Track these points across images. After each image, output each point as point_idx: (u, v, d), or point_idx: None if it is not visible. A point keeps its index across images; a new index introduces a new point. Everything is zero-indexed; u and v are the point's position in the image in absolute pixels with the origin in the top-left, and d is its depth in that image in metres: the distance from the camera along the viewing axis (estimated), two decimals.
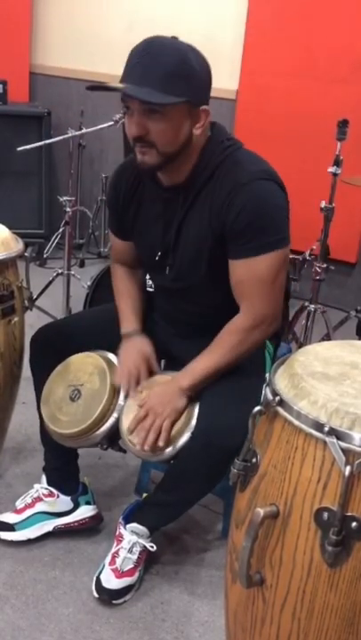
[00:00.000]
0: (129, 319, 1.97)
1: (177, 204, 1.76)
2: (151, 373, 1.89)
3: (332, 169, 3.03)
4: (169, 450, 1.71)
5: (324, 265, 3.19)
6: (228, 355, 1.74)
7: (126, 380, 1.85)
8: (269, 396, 1.25)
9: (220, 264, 1.74)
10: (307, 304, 3.26)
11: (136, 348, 1.91)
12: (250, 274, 1.69)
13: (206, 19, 4.17)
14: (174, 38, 1.63)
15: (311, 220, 3.12)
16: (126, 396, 1.84)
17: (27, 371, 2.19)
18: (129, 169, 1.86)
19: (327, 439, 1.13)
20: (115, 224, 2.00)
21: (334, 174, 3.04)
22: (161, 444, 1.70)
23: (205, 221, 1.72)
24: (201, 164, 1.71)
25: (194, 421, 1.71)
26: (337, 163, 3.02)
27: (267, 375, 1.32)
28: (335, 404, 1.16)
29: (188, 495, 1.80)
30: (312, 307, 3.25)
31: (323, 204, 3.04)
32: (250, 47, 4.03)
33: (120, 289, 2.05)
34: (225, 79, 4.09)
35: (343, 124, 2.99)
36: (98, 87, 1.65)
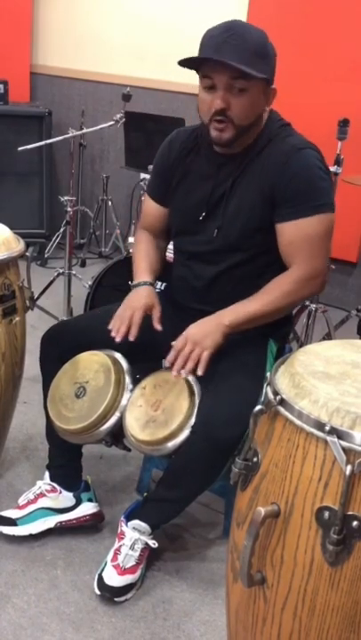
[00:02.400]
0: (141, 274, 2.01)
1: (229, 170, 1.84)
2: (123, 344, 1.87)
3: (332, 168, 3.03)
4: (170, 444, 1.73)
5: None
6: (276, 301, 1.78)
7: (115, 321, 1.87)
8: (270, 396, 1.26)
9: (262, 230, 1.82)
10: (308, 303, 3.26)
11: (138, 295, 1.93)
12: (302, 234, 1.77)
13: (207, 20, 4.15)
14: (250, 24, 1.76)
15: None
16: (118, 345, 1.85)
17: (28, 370, 2.20)
18: (183, 136, 1.97)
19: (328, 438, 1.13)
20: (156, 187, 2.06)
21: (335, 174, 3.04)
22: (200, 372, 1.74)
23: (256, 185, 1.81)
24: (260, 138, 1.83)
25: (195, 418, 1.73)
26: (338, 162, 3.02)
27: (268, 374, 1.33)
28: (336, 404, 1.16)
29: (188, 490, 1.81)
30: (313, 306, 3.25)
31: None
32: None
33: (139, 249, 2.10)
34: None
35: (344, 124, 2.99)
36: (191, 59, 1.71)
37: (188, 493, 1.83)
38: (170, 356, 1.78)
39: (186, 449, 1.72)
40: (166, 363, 1.79)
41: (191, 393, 1.77)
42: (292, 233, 1.78)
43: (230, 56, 1.65)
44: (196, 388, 1.78)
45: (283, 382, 1.28)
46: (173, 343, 1.79)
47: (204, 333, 1.76)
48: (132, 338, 1.84)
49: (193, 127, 1.98)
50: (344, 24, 3.73)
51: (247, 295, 1.83)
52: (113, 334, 1.85)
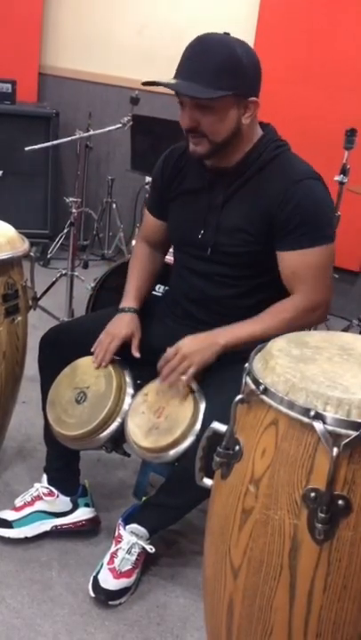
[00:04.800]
0: (128, 298, 2.04)
1: (221, 187, 1.84)
2: (123, 347, 1.92)
3: (338, 177, 3.04)
4: (173, 452, 1.72)
5: None
6: (274, 328, 1.76)
7: (96, 346, 1.92)
8: (251, 385, 1.28)
9: (257, 252, 1.81)
10: None
11: (120, 322, 1.96)
12: (305, 264, 1.77)
13: (216, 26, 4.17)
14: (226, 34, 1.73)
15: None
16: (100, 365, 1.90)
17: (28, 370, 2.20)
18: (178, 151, 1.96)
19: (314, 423, 1.16)
20: (153, 202, 2.08)
21: (341, 183, 3.05)
22: (181, 388, 1.76)
23: (252, 209, 1.79)
24: (253, 155, 1.80)
25: (198, 425, 1.71)
26: (344, 171, 3.03)
27: (246, 365, 1.33)
28: (320, 388, 1.19)
29: (190, 498, 1.80)
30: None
31: None
32: (259, 54, 3.99)
33: (134, 264, 2.12)
34: None
35: (351, 133, 3.00)
36: (151, 83, 1.73)
37: (190, 501, 1.82)
38: (159, 363, 1.80)
39: (190, 456, 1.71)
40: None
41: (194, 400, 1.76)
42: (296, 263, 1.77)
43: (189, 75, 1.66)
44: (199, 396, 1.78)
45: (262, 371, 1.29)
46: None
47: (195, 349, 1.76)
48: (103, 364, 1.89)
49: (187, 144, 1.96)
50: (353, 33, 3.74)
51: (236, 314, 1.82)
52: (93, 360, 1.91)
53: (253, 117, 1.77)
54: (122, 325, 1.95)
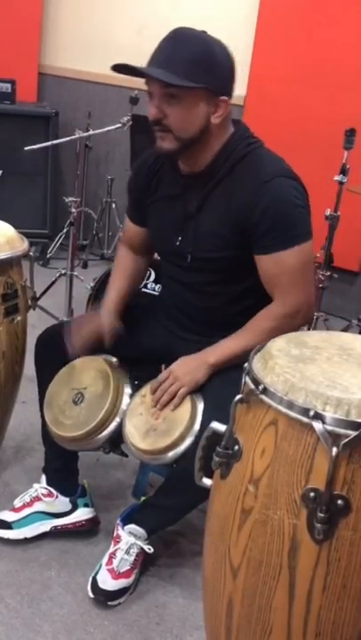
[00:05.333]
0: (109, 299, 2.06)
1: (195, 192, 1.80)
2: (121, 348, 1.96)
3: (338, 177, 3.04)
4: (171, 454, 1.71)
5: (328, 273, 3.20)
6: (259, 339, 1.72)
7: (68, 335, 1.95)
8: (250, 385, 1.28)
9: (236, 257, 1.78)
10: None
11: (95, 317, 2.00)
12: (280, 267, 1.73)
13: (216, 25, 4.17)
14: (204, 32, 1.69)
15: (316, 227, 3.10)
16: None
17: (27, 370, 2.19)
18: (152, 157, 1.92)
19: (313, 423, 1.16)
20: (131, 209, 2.05)
21: (340, 183, 3.05)
22: (171, 407, 1.76)
23: (226, 212, 1.75)
24: (222, 155, 1.76)
25: (197, 426, 1.71)
26: (343, 171, 3.03)
27: (245, 365, 1.33)
28: (319, 388, 1.19)
29: (188, 499, 1.80)
30: (314, 314, 3.25)
31: (328, 212, 3.05)
32: (258, 54, 4.03)
33: (117, 268, 2.13)
34: None
35: (351, 133, 3.00)
36: (121, 66, 1.70)
37: (188, 502, 1.82)
38: (153, 385, 1.82)
39: (189, 458, 1.71)
40: (150, 391, 1.82)
41: (192, 402, 1.76)
42: (271, 267, 1.74)
43: (161, 63, 1.62)
44: (196, 397, 1.77)
45: (262, 370, 1.29)
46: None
47: (186, 370, 1.78)
48: (70, 350, 1.92)
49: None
50: (353, 33, 3.74)
51: (225, 321, 1.83)
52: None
53: (224, 118, 1.72)
54: (87, 320, 1.99)
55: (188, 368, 1.79)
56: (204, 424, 1.69)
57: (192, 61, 1.62)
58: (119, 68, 1.70)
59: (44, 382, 1.98)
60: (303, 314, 1.78)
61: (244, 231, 1.73)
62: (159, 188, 1.90)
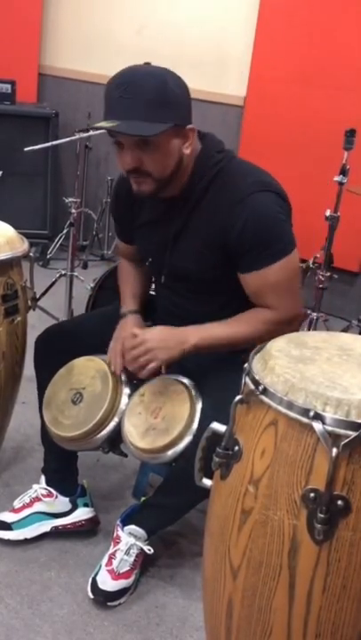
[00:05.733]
0: (126, 301, 2.04)
1: (173, 216, 1.80)
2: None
3: (338, 178, 3.04)
4: (170, 452, 1.72)
5: (328, 273, 3.20)
6: (246, 334, 1.75)
7: (110, 355, 1.89)
8: (250, 385, 1.28)
9: (224, 274, 1.78)
10: (309, 312, 3.26)
11: (126, 326, 1.94)
12: (265, 283, 1.73)
13: (216, 25, 4.19)
14: (147, 64, 1.67)
15: (316, 228, 3.13)
16: (118, 378, 1.87)
17: (27, 371, 2.19)
18: (127, 184, 1.86)
19: (313, 423, 1.16)
20: (118, 230, 2.09)
21: (340, 183, 3.05)
22: (140, 376, 1.77)
23: (206, 236, 1.75)
24: (195, 176, 1.74)
25: (195, 425, 1.71)
26: (343, 172, 3.03)
27: (245, 365, 1.33)
28: (319, 389, 1.19)
29: (188, 498, 1.80)
30: (314, 315, 3.25)
31: (328, 212, 3.05)
32: (259, 54, 4.03)
33: (123, 274, 2.13)
34: (233, 86, 4.10)
35: (351, 134, 3.00)
36: (87, 130, 1.68)
37: (187, 501, 1.82)
38: (126, 344, 1.79)
39: (188, 456, 1.71)
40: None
41: (191, 400, 1.76)
42: (257, 283, 1.73)
43: (125, 114, 1.58)
44: (195, 395, 1.78)
45: (262, 371, 1.29)
46: (135, 331, 1.80)
47: (162, 344, 1.74)
48: (118, 371, 1.87)
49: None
50: (353, 33, 3.74)
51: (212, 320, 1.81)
52: (113, 369, 1.87)
53: (193, 145, 1.70)
54: (127, 328, 1.92)
55: (166, 343, 1.74)
56: (203, 423, 1.69)
57: (154, 103, 1.58)
58: (85, 130, 1.70)
59: (43, 383, 1.98)
60: (296, 323, 1.80)
61: (226, 252, 1.73)
62: (142, 214, 1.90)
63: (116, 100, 1.60)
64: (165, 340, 1.75)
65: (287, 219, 1.74)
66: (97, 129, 1.67)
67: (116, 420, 1.83)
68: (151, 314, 2.06)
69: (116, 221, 2.06)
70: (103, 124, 1.61)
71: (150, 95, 1.58)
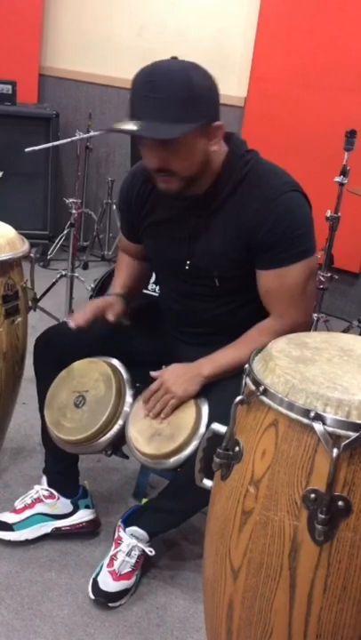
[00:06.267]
0: (115, 288, 2.06)
1: (193, 214, 1.78)
2: (122, 351, 1.93)
3: (338, 178, 3.04)
4: (176, 458, 1.70)
5: (328, 274, 3.20)
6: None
7: (83, 312, 1.91)
8: (251, 386, 1.28)
9: (243, 274, 1.77)
10: None
11: (108, 299, 1.97)
12: (280, 283, 1.72)
13: (216, 26, 4.19)
14: (174, 58, 1.64)
15: (316, 229, 3.10)
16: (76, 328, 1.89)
17: (28, 371, 2.19)
18: (139, 175, 1.87)
19: (314, 424, 1.16)
20: (125, 228, 2.04)
21: (341, 184, 3.05)
22: (163, 416, 1.75)
23: (233, 233, 1.73)
24: (223, 178, 1.73)
25: (202, 430, 1.69)
26: (344, 172, 3.03)
27: (246, 366, 1.33)
28: (320, 389, 1.19)
29: (191, 504, 1.78)
30: (315, 316, 3.25)
31: (328, 213, 3.05)
32: (259, 54, 4.04)
33: (119, 266, 2.13)
34: (234, 86, 4.10)
35: (351, 135, 3.00)
36: (113, 130, 1.67)
37: (191, 507, 1.81)
38: (145, 395, 1.80)
39: (193, 462, 1.69)
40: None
41: (196, 405, 1.75)
42: (272, 282, 1.73)
43: (152, 116, 1.54)
44: (201, 400, 1.76)
45: (262, 372, 1.29)
46: (152, 374, 1.81)
47: (179, 381, 1.76)
48: (73, 321, 1.88)
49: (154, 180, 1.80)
50: (353, 34, 3.74)
51: (225, 327, 1.81)
52: (70, 320, 1.89)
53: (220, 142, 1.69)
54: (107, 300, 1.95)
55: (182, 379, 1.77)
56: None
57: (181, 104, 1.55)
58: (112, 130, 1.68)
59: (43, 383, 1.97)
60: (301, 331, 1.76)
61: (251, 249, 1.72)
62: (156, 211, 1.87)
63: (140, 99, 1.57)
64: (181, 375, 1.77)
65: (312, 222, 1.76)
66: (119, 131, 1.65)
67: (119, 422, 1.81)
68: (152, 315, 2.05)
69: (124, 218, 2.01)
70: (126, 126, 1.60)
71: (175, 94, 1.55)
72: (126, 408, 1.83)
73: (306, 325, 1.78)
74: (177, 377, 1.77)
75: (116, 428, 1.81)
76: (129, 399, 1.84)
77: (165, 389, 1.76)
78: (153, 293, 2.77)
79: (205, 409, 1.74)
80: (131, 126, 1.58)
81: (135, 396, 1.86)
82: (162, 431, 1.74)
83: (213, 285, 1.82)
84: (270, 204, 1.68)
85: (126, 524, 1.91)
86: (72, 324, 1.89)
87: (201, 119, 1.59)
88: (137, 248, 2.03)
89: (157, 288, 2.67)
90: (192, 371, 1.78)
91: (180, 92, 1.55)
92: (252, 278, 1.77)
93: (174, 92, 1.55)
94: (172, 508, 1.85)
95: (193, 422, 1.71)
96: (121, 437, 1.81)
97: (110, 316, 1.90)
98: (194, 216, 1.78)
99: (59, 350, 1.97)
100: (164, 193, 1.73)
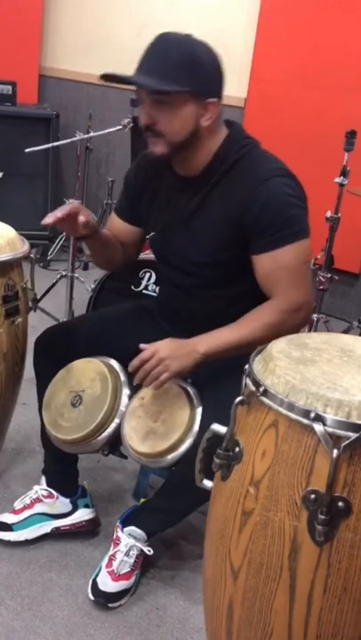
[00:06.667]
0: None
1: (191, 195, 1.80)
2: (119, 351, 1.89)
3: (338, 179, 3.04)
4: (170, 457, 1.71)
5: (328, 275, 3.20)
6: (256, 332, 1.71)
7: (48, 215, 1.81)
8: (251, 386, 1.28)
9: (235, 258, 1.78)
10: None
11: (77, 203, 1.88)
12: (276, 265, 1.72)
13: (217, 26, 4.19)
14: (188, 36, 1.70)
15: (316, 229, 3.10)
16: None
17: (28, 372, 2.19)
18: (148, 161, 1.90)
19: (314, 425, 1.16)
20: (123, 207, 2.03)
21: (341, 184, 3.05)
22: (153, 388, 1.72)
23: (223, 215, 1.75)
24: (218, 158, 1.76)
25: (196, 428, 1.71)
26: (344, 173, 3.03)
27: (246, 366, 1.33)
28: (320, 390, 1.19)
29: (188, 502, 1.79)
30: (315, 316, 3.25)
31: (328, 213, 3.05)
32: (260, 55, 4.04)
33: None
34: (234, 87, 4.10)
35: (351, 135, 3.00)
36: (109, 76, 1.72)
37: (188, 504, 1.81)
38: (133, 362, 1.73)
39: (188, 460, 1.70)
40: (130, 367, 1.75)
41: (191, 404, 1.75)
42: (268, 265, 1.73)
43: (147, 71, 1.65)
44: (196, 399, 1.77)
45: (262, 372, 1.29)
46: (142, 346, 1.75)
47: (174, 355, 1.70)
48: (47, 219, 1.79)
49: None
50: (354, 34, 3.74)
51: (222, 324, 1.77)
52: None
53: (215, 120, 1.73)
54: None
55: (178, 353, 1.71)
56: (203, 426, 1.68)
57: (176, 66, 1.64)
58: (107, 78, 1.72)
59: (43, 384, 1.98)
60: (305, 311, 1.77)
61: (242, 231, 1.73)
62: (159, 191, 1.90)
63: (144, 57, 1.68)
64: (177, 349, 1.72)
65: (304, 207, 1.76)
66: (119, 78, 1.71)
67: (116, 421, 1.82)
68: (151, 316, 2.05)
69: (128, 194, 2.00)
70: (126, 75, 1.69)
71: (174, 57, 1.65)
72: (122, 407, 1.83)
73: (309, 305, 1.78)
74: (173, 349, 1.71)
75: (112, 426, 1.82)
76: (125, 398, 1.85)
77: (158, 360, 1.70)
78: (153, 294, 2.78)
79: (199, 407, 1.75)
80: (126, 76, 1.69)
81: (132, 395, 1.86)
82: (156, 429, 1.75)
83: (209, 274, 1.82)
84: (260, 185, 1.70)
85: (124, 524, 1.91)
86: (43, 221, 1.80)
87: (192, 86, 1.65)
88: (126, 231, 2.01)
89: (157, 289, 2.68)
90: (188, 346, 1.72)
91: (179, 55, 1.65)
92: (248, 268, 1.77)
93: (173, 53, 1.66)
94: (168, 506, 1.85)
95: (187, 421, 1.72)
96: (118, 436, 1.82)
97: (82, 217, 1.81)
98: (189, 198, 1.81)
99: (59, 351, 1.97)
100: (151, 156, 1.77)
